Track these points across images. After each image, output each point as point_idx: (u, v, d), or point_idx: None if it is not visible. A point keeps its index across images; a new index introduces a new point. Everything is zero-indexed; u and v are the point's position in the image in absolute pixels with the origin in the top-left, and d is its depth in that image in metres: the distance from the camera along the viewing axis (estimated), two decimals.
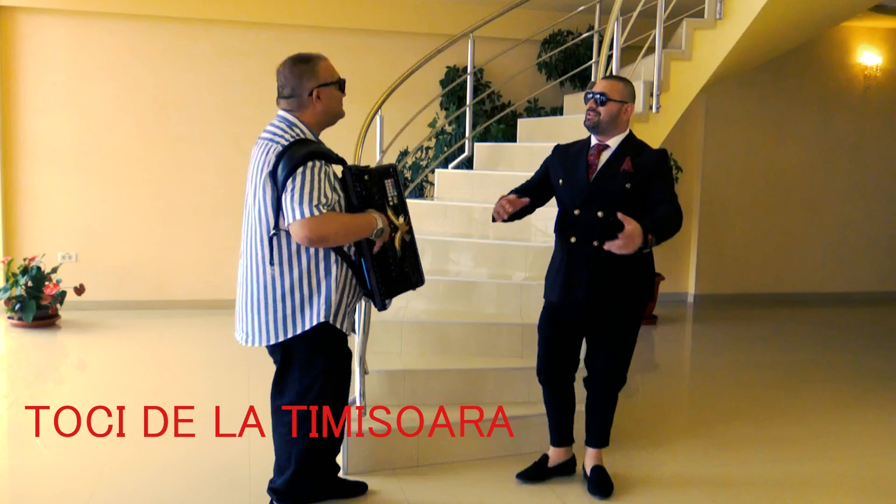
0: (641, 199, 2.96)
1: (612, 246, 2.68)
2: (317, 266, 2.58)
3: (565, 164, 3.14)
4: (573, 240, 3.04)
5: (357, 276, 2.69)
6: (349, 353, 2.84)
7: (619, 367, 3.14)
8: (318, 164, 2.49)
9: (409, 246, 2.80)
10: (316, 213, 2.44)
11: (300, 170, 2.45)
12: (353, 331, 2.82)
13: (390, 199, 2.74)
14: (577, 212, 3.03)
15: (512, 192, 3.22)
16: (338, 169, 2.66)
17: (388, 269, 2.70)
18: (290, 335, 2.60)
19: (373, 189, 2.68)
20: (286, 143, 2.53)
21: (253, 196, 2.61)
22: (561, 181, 3.12)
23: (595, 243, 2.97)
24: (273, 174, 2.50)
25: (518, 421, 3.51)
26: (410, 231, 2.81)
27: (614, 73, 4.36)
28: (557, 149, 3.24)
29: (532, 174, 3.34)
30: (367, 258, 2.65)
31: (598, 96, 3.01)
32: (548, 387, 3.24)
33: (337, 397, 2.77)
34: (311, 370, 2.67)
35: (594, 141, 3.10)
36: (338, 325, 2.64)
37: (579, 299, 3.04)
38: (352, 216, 2.58)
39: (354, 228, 2.56)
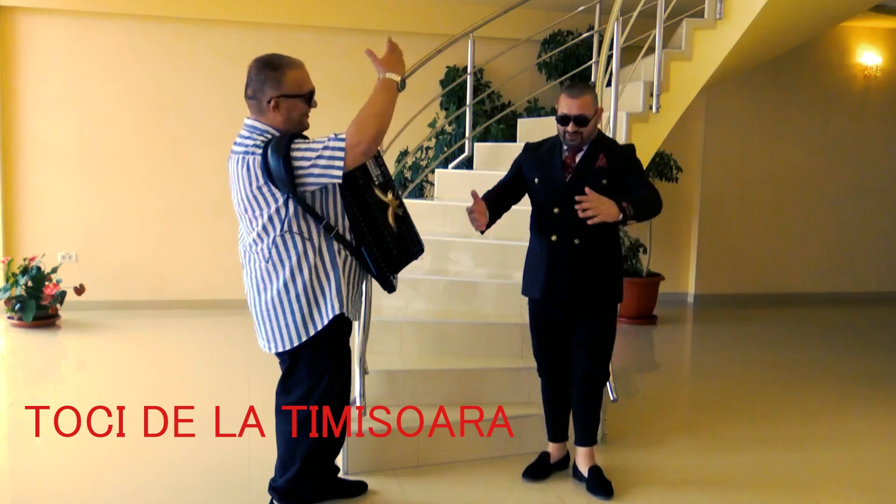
0: (616, 193, 3.01)
1: (587, 210, 2.74)
2: (322, 261, 2.59)
3: (539, 163, 3.17)
4: (554, 238, 3.09)
5: (361, 263, 2.70)
6: (350, 351, 2.85)
7: (603, 364, 3.19)
8: (300, 139, 2.50)
9: (403, 219, 2.80)
10: (343, 135, 2.42)
11: (294, 150, 2.44)
12: (358, 317, 2.84)
13: (374, 178, 2.72)
14: (556, 210, 3.07)
15: (486, 193, 3.24)
16: None
17: (388, 247, 2.71)
18: (311, 333, 2.60)
19: (355, 172, 2.64)
20: (263, 150, 2.50)
21: (245, 209, 2.58)
22: (537, 180, 3.15)
23: (576, 241, 3.03)
24: (270, 181, 2.48)
25: (518, 421, 3.51)
26: (401, 204, 2.80)
27: (614, 73, 4.35)
28: (528, 148, 3.28)
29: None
30: (367, 243, 2.65)
31: (577, 120, 3.03)
32: (548, 380, 3.28)
33: (341, 396, 2.78)
34: (318, 368, 2.68)
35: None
36: (349, 315, 2.65)
37: (561, 295, 3.09)
38: (371, 100, 2.51)
39: (383, 104, 2.50)
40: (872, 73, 7.65)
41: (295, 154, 2.44)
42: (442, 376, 3.61)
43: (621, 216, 2.80)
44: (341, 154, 2.42)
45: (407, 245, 2.78)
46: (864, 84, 7.68)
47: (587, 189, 2.80)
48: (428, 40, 6.12)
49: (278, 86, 2.56)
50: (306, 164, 2.44)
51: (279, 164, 2.44)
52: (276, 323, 2.62)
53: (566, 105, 3.05)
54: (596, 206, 2.76)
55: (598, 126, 3.18)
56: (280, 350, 2.66)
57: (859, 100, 7.71)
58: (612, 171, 3.04)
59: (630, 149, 3.15)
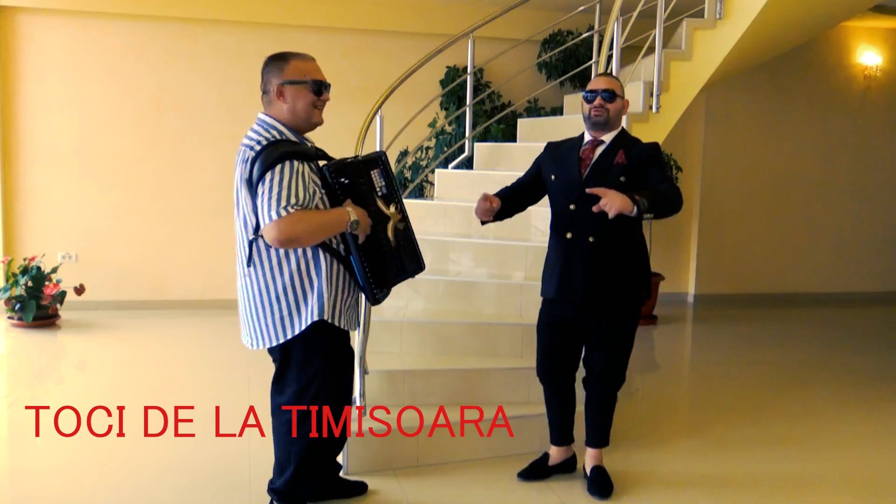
0: (636, 191, 2.99)
1: (601, 205, 2.72)
2: (307, 265, 2.57)
3: (557, 161, 3.16)
4: (569, 235, 3.06)
5: (350, 272, 2.67)
6: (350, 353, 2.84)
7: (617, 366, 3.14)
8: (289, 164, 2.45)
9: (404, 234, 2.76)
10: (284, 214, 2.40)
11: (269, 173, 2.43)
12: (355, 327, 2.80)
13: (378, 189, 2.69)
14: (572, 207, 3.05)
15: (503, 189, 3.24)
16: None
17: (383, 260, 2.67)
18: (288, 336, 2.60)
19: (358, 181, 2.63)
20: (259, 148, 2.50)
21: (237, 204, 2.60)
22: (554, 177, 3.14)
23: (591, 239, 3.00)
24: (250, 181, 2.49)
25: (518, 421, 3.51)
26: (404, 219, 2.77)
27: (615, 72, 4.35)
28: (549, 146, 3.26)
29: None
30: (354, 252, 2.62)
31: (604, 94, 3.04)
32: (548, 386, 3.25)
33: (337, 397, 2.76)
34: (308, 369, 2.66)
35: (588, 137, 3.13)
36: (336, 323, 2.63)
37: (576, 294, 3.05)
38: (322, 212, 2.54)
39: (325, 225, 2.52)
40: (872, 73, 7.65)
41: (267, 176, 2.43)
42: (442, 376, 3.61)
43: (635, 208, 2.72)
44: (268, 219, 2.41)
45: (403, 261, 2.76)
46: (864, 84, 7.68)
47: (592, 189, 2.79)
48: (428, 40, 6.15)
49: (281, 74, 2.58)
50: (261, 192, 2.44)
51: (259, 173, 2.45)
52: (257, 320, 2.62)
53: (594, 83, 3.10)
54: (610, 199, 2.70)
55: (622, 123, 3.15)
56: (259, 347, 2.66)
57: (859, 100, 7.71)
58: (631, 168, 3.00)
59: (653, 147, 3.08)
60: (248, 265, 2.58)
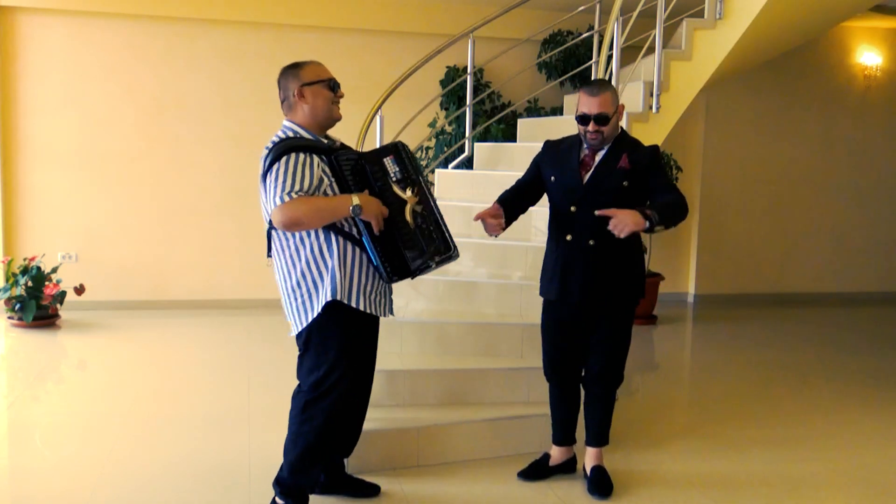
0: (638, 195, 3.00)
1: (613, 228, 2.73)
2: (320, 249, 2.67)
3: (557, 161, 3.14)
4: (569, 237, 3.06)
5: (365, 254, 2.72)
6: (372, 340, 2.89)
7: (616, 365, 3.15)
8: (293, 155, 2.59)
9: (423, 217, 2.78)
10: (287, 199, 2.54)
11: (276, 164, 2.58)
12: (388, 313, 2.86)
13: (392, 174, 2.75)
14: (573, 209, 3.04)
15: (504, 193, 3.23)
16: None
17: (401, 241, 2.72)
18: (310, 318, 2.69)
19: (374, 168, 2.72)
20: (272, 146, 2.66)
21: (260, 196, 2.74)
22: (553, 178, 3.12)
23: (591, 241, 3.00)
24: (263, 175, 2.64)
25: (518, 421, 3.51)
26: (422, 201, 2.78)
27: (614, 73, 4.35)
28: (547, 145, 3.24)
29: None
30: (365, 233, 2.69)
31: (597, 119, 2.98)
32: (556, 385, 3.26)
33: (354, 391, 2.79)
34: (325, 355, 2.72)
35: None
36: (352, 304, 2.68)
37: (575, 296, 3.06)
38: (324, 198, 2.64)
39: (326, 209, 2.62)
40: (872, 73, 7.65)
41: (274, 167, 2.58)
42: (442, 376, 3.61)
43: (648, 224, 2.75)
44: (272, 205, 2.57)
45: (422, 244, 2.76)
46: (864, 84, 7.68)
47: (601, 211, 2.80)
48: (428, 40, 6.14)
49: (299, 78, 2.75)
50: (267, 181, 2.59)
51: (268, 165, 2.61)
52: (287, 308, 2.76)
53: (585, 104, 2.99)
54: (622, 220, 2.73)
55: (620, 124, 3.12)
56: (292, 334, 2.78)
57: (859, 100, 7.71)
58: (634, 172, 2.98)
59: (653, 150, 3.06)
60: (269, 255, 2.75)
